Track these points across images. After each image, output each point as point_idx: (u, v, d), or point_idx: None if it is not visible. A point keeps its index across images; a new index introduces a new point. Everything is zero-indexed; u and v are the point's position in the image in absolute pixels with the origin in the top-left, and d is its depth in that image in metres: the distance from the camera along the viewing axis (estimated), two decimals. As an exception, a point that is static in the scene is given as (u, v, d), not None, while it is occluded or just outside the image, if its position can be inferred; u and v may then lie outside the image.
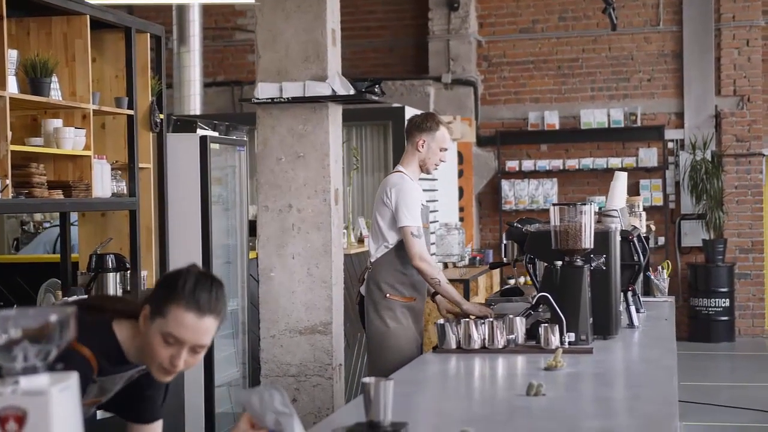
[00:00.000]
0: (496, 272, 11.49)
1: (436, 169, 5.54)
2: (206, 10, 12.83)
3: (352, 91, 5.92)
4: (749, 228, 12.76)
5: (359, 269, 7.80)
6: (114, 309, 2.74)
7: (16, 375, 1.79)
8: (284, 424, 2.59)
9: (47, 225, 8.99)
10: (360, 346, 7.63)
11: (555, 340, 4.26)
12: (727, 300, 12.41)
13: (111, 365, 2.68)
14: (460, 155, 12.52)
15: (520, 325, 4.42)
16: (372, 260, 5.42)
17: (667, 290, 6.57)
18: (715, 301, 12.39)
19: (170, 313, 2.58)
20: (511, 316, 4.45)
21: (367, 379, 2.81)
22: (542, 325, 4.32)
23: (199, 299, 2.59)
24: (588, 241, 4.47)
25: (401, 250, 5.30)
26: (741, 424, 8.30)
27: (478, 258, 11.43)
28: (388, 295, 5.29)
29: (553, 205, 4.55)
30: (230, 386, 6.87)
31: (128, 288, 5.71)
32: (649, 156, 12.80)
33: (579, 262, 4.49)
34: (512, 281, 12.45)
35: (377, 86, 6.22)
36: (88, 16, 5.30)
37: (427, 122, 5.42)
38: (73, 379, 1.84)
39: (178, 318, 2.57)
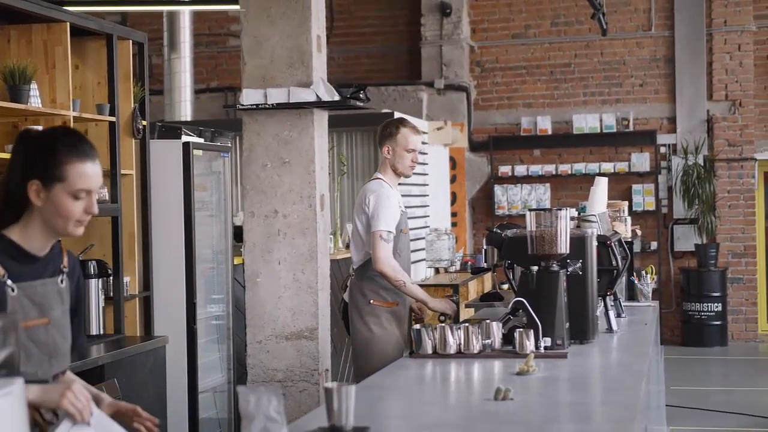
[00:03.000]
0: (488, 277, 11.51)
1: (412, 170, 5.60)
2: (199, 16, 12.86)
3: (336, 97, 5.94)
4: (742, 232, 12.77)
5: (346, 274, 7.81)
6: None
7: (-43, 381, 1.81)
8: (272, 431, 2.61)
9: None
10: (347, 352, 7.65)
11: (530, 345, 4.27)
12: (720, 304, 12.41)
13: (18, 264, 2.73)
14: (452, 160, 12.55)
15: (497, 330, 4.43)
16: (354, 267, 5.50)
17: (650, 295, 6.57)
18: (708, 306, 12.39)
19: (69, 174, 2.71)
20: (487, 321, 4.47)
21: (328, 385, 2.84)
22: (517, 330, 4.33)
23: (84, 149, 2.76)
24: (564, 246, 4.48)
25: None
26: (731, 428, 8.30)
27: (470, 263, 11.45)
28: (372, 301, 5.39)
29: (530, 210, 4.56)
30: (215, 392, 6.89)
31: (111, 294, 5.73)
32: (641, 161, 12.81)
33: (555, 267, 4.50)
34: (506, 286, 12.47)
35: (362, 92, 6.23)
36: (68, 24, 5.32)
37: (387, 128, 5.57)
38: (17, 385, 1.85)
39: (80, 173, 2.72)
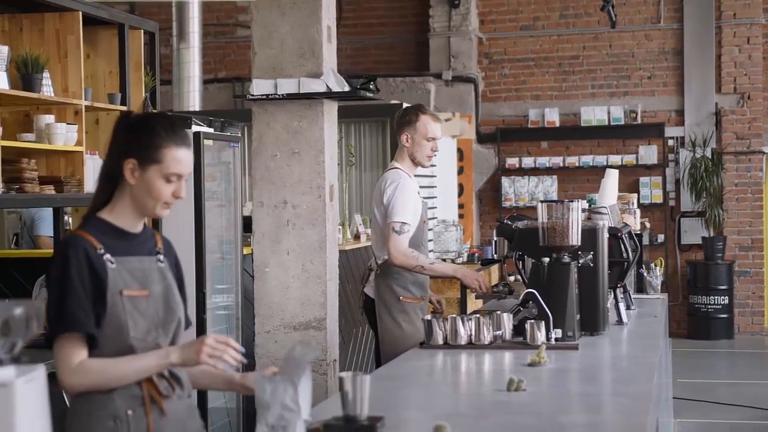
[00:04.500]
0: (495, 268, 11.50)
1: (430, 160, 5.43)
2: (208, 6, 12.86)
3: (346, 88, 5.93)
4: (749, 226, 12.76)
5: (354, 265, 7.81)
6: (90, 209, 2.92)
7: (-20, 367, 1.82)
8: (288, 420, 2.62)
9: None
10: (355, 343, 7.66)
11: (541, 337, 4.27)
12: (727, 297, 12.41)
13: (113, 240, 2.86)
14: (460, 152, 12.54)
15: (508, 321, 4.43)
16: (379, 261, 5.32)
17: (659, 287, 6.57)
18: (715, 299, 12.39)
19: (166, 157, 2.83)
20: (498, 312, 4.47)
21: (343, 374, 2.84)
22: (528, 321, 4.33)
23: (181, 135, 2.88)
24: (575, 238, 4.48)
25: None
26: (737, 421, 8.31)
27: (477, 255, 11.45)
28: (401, 297, 5.24)
29: (541, 201, 4.56)
30: (224, 381, 6.89)
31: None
32: (649, 153, 12.81)
33: (566, 259, 4.50)
34: (512, 278, 12.47)
35: (372, 83, 6.23)
36: (80, 13, 5.33)
37: (406, 116, 5.38)
38: (38, 372, 1.86)
39: (176, 157, 2.84)
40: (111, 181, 2.89)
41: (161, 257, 2.97)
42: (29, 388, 1.83)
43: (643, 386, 3.45)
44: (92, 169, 5.39)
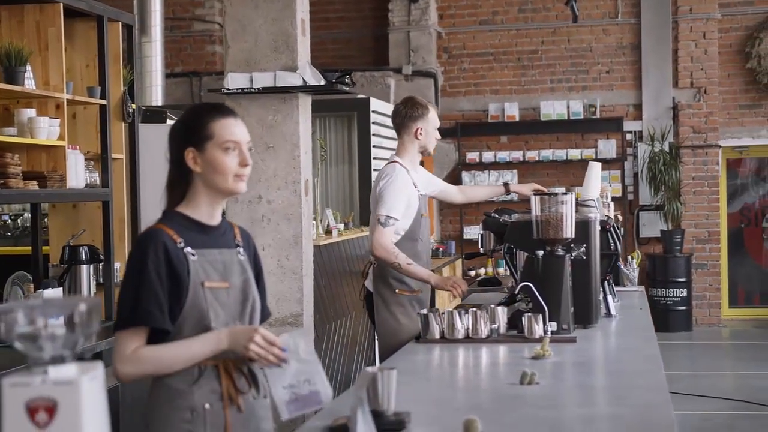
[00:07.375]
0: (459, 263, 11.54)
1: (433, 145, 5.57)
2: (165, 0, 12.69)
3: (322, 82, 5.91)
4: (706, 219, 12.91)
5: (327, 261, 7.77)
6: (167, 207, 2.96)
7: (44, 365, 1.77)
8: (309, 372, 2.61)
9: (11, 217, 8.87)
10: (328, 338, 7.61)
11: (539, 330, 4.27)
12: (685, 290, 12.55)
13: (192, 233, 2.89)
14: (420, 146, 12.51)
15: (502, 315, 4.42)
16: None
17: (636, 280, 6.62)
18: (673, 291, 12.52)
19: (215, 130, 2.88)
20: (492, 305, 4.46)
21: (370, 369, 2.81)
22: (525, 314, 4.33)
23: (224, 109, 2.96)
24: (569, 231, 4.49)
25: (405, 242, 5.20)
26: (697, 411, 8.41)
27: (441, 249, 11.47)
28: (397, 290, 5.23)
29: (535, 194, 4.56)
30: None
31: (101, 280, 5.64)
32: (608, 147, 12.90)
33: (560, 252, 4.50)
34: (473, 271, 12.51)
35: (347, 77, 6.21)
36: (61, 5, 5.22)
37: (417, 110, 5.40)
38: (99, 369, 1.81)
39: (224, 126, 2.89)
40: (181, 180, 2.92)
41: (241, 250, 2.99)
42: (93, 385, 1.78)
43: (656, 378, 3.46)
44: (74, 163, 5.28)
